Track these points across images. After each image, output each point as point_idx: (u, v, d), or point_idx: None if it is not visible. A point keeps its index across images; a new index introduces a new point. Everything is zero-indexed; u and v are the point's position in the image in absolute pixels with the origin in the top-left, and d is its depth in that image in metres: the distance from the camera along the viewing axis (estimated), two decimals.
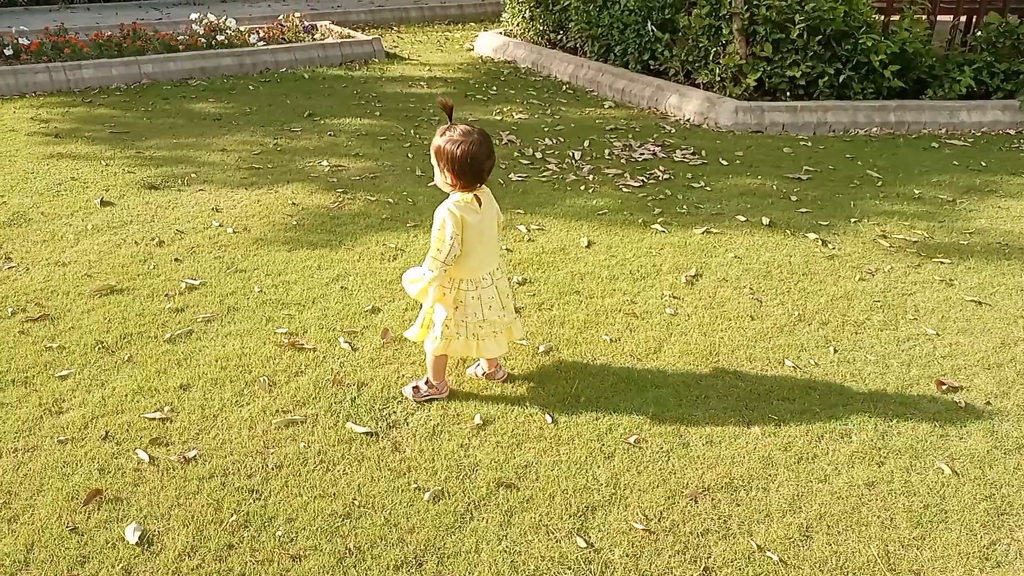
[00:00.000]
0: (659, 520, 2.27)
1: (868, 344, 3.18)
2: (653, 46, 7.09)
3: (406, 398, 2.78)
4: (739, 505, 2.32)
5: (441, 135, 2.48)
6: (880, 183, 5.01)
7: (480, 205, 2.55)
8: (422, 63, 8.48)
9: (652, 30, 7.02)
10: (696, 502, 2.33)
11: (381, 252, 3.96)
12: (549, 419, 2.69)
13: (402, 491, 2.36)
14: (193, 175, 4.94)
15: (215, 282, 3.61)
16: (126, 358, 3.00)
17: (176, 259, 3.81)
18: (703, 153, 5.54)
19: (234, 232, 4.14)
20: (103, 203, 4.45)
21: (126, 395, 2.77)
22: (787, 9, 6.14)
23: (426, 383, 2.80)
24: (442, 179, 2.53)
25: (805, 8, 6.10)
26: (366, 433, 2.61)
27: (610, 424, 2.67)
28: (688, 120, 6.38)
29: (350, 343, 3.13)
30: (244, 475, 2.41)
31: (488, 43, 9.10)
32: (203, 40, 7.88)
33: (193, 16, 8.19)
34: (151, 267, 3.73)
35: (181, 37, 7.87)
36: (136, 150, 5.40)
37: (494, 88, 7.41)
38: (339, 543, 2.16)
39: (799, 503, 2.33)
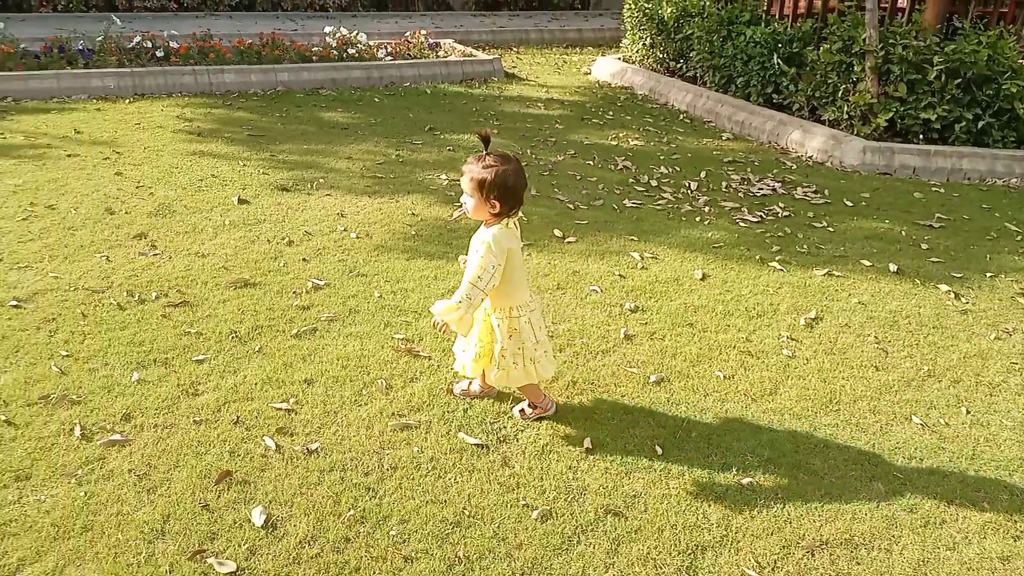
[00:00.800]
0: (773, 569, 2.20)
1: (1004, 408, 3.00)
2: (777, 79, 6.95)
3: (515, 417, 2.82)
4: (859, 564, 2.23)
5: (480, 164, 2.46)
6: (1019, 237, 4.72)
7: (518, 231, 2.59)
8: (539, 84, 8.61)
9: (778, 63, 6.89)
10: (813, 555, 2.25)
11: None
12: (659, 450, 2.67)
13: (511, 506, 2.38)
14: (321, 180, 5.18)
15: (338, 284, 3.76)
16: (256, 349, 3.16)
17: (304, 259, 4.00)
18: (826, 192, 5.37)
19: (357, 237, 4.31)
20: (239, 201, 4.73)
21: (256, 384, 2.92)
22: (925, 50, 5.91)
23: (529, 406, 2.82)
24: (483, 208, 2.49)
25: (945, 50, 5.85)
26: (477, 445, 2.65)
27: (722, 462, 2.62)
28: (810, 157, 6.21)
29: None
30: (361, 472, 2.49)
31: (606, 68, 9.15)
32: (335, 52, 8.28)
33: (327, 29, 8.61)
34: (281, 264, 3.93)
35: (315, 49, 8.29)
36: (270, 153, 5.71)
37: (610, 113, 7.44)
38: (449, 550, 2.20)
39: (924, 569, 2.22)
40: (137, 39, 7.80)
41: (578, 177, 5.51)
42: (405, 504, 2.36)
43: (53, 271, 3.72)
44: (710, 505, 2.42)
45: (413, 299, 3.65)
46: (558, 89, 8.38)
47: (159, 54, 7.73)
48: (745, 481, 2.52)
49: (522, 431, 2.74)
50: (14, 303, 3.41)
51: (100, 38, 7.79)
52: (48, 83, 6.96)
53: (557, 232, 4.50)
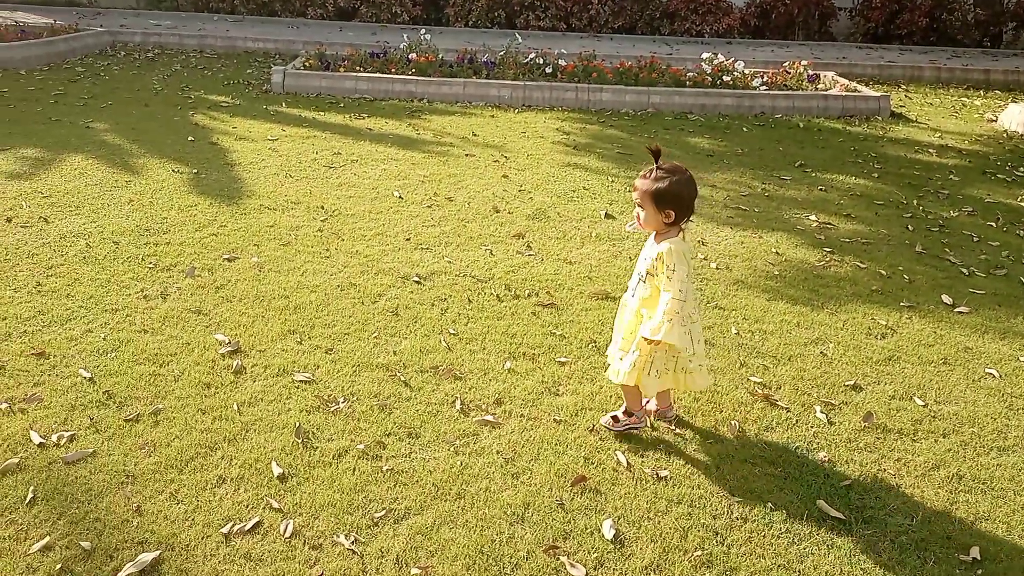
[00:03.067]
0: None
1: None
2: None
3: (604, 428, 2.78)
4: None
5: (650, 178, 2.52)
6: None
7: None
8: (931, 128, 7.71)
9: None
10: None
11: (868, 326, 3.67)
12: None
13: None
14: None
15: None
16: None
17: None
18: None
19: (716, 268, 4.23)
20: (606, 215, 4.94)
21: (610, 396, 3.01)
22: None
23: (624, 413, 2.78)
24: (656, 219, 2.55)
25: None
26: (837, 520, 2.42)
27: None
28: None
29: (826, 415, 2.96)
30: (709, 514, 2.42)
31: (1018, 116, 7.88)
32: (709, 79, 8.27)
33: (704, 56, 8.64)
34: None
35: (690, 74, 8.37)
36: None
37: (1021, 169, 6.38)
38: None
39: None
40: (532, 55, 8.58)
41: (975, 239, 4.80)
42: (755, 562, 2.24)
43: (448, 256, 4.23)
44: None
45: (772, 342, 3.47)
46: (954, 135, 7.42)
47: (548, 70, 8.41)
48: None
49: (890, 516, 2.45)
50: (416, 279, 3.94)
51: (502, 52, 8.72)
52: (456, 89, 7.98)
53: (946, 298, 3.96)
